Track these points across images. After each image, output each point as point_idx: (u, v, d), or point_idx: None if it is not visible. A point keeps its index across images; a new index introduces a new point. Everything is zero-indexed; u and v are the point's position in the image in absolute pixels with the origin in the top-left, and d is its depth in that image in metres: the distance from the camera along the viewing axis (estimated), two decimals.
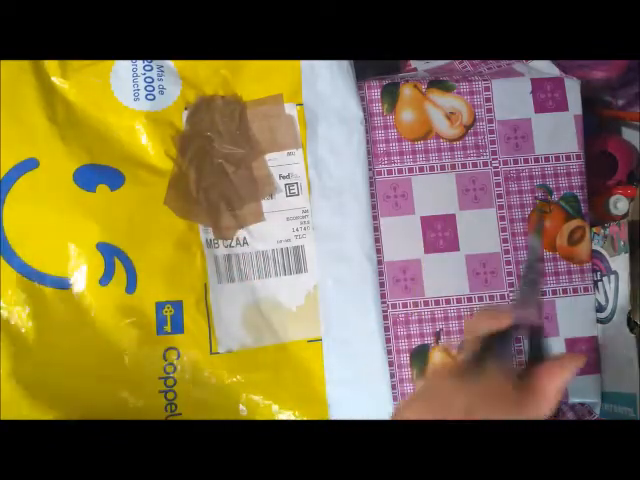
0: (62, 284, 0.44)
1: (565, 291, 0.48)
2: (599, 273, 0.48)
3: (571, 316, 0.48)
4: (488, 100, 0.49)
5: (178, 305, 0.45)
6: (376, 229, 0.48)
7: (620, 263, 0.45)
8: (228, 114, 0.48)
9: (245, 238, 0.48)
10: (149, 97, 0.47)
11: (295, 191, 0.48)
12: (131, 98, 0.46)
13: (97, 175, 0.45)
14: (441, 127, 0.49)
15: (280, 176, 0.48)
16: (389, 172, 0.49)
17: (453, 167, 0.49)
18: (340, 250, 0.47)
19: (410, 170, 0.49)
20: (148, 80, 0.47)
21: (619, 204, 0.52)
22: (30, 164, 0.44)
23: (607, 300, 0.47)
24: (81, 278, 0.44)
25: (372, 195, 0.48)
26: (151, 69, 0.47)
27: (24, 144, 0.45)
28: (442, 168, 0.49)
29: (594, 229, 0.48)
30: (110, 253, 0.44)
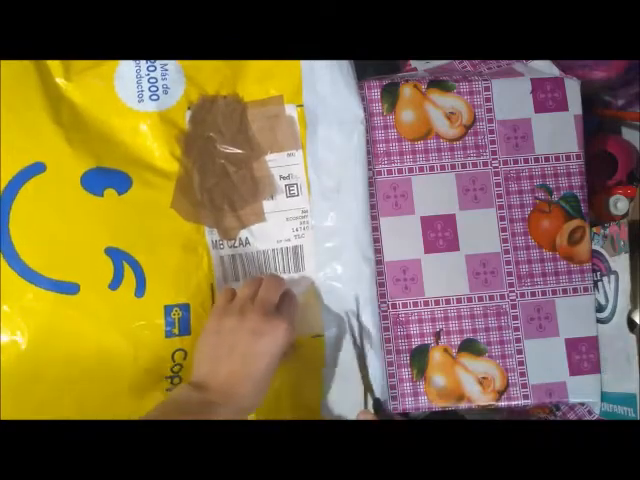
0: (71, 289, 0.43)
1: (565, 291, 0.48)
2: (599, 273, 0.48)
3: (571, 316, 0.48)
4: (488, 100, 0.49)
5: (186, 308, 0.45)
6: (376, 229, 0.48)
7: (620, 263, 0.45)
8: (229, 115, 0.48)
9: (247, 238, 0.48)
10: (153, 97, 0.46)
11: (295, 192, 0.48)
12: (135, 99, 0.46)
13: (104, 179, 0.45)
14: (441, 127, 0.49)
15: (280, 177, 0.48)
16: (389, 172, 0.49)
17: (453, 167, 0.49)
18: (339, 250, 0.47)
19: (410, 170, 0.49)
20: (152, 81, 0.46)
21: (619, 204, 0.52)
22: (37, 168, 0.44)
23: (607, 300, 0.47)
24: (90, 283, 0.43)
25: (372, 195, 0.48)
26: (154, 69, 0.47)
27: (31, 148, 0.44)
28: (442, 168, 0.49)
29: (594, 229, 0.48)
30: (119, 257, 0.44)
